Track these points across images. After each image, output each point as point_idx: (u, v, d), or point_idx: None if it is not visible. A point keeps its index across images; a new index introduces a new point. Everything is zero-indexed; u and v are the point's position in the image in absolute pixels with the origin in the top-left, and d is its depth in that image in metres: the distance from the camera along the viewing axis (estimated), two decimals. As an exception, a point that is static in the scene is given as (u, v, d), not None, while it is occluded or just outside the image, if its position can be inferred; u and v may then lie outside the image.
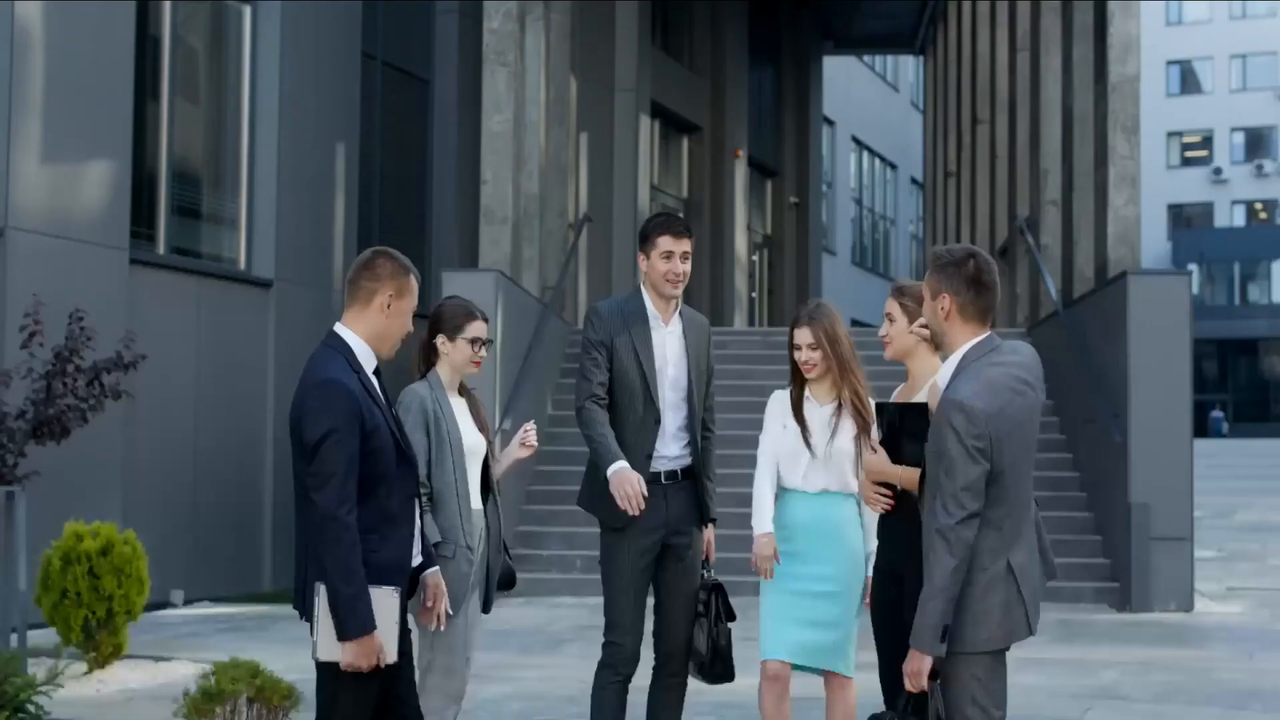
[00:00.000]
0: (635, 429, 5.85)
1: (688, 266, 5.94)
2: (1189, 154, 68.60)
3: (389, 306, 4.51)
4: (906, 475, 5.02)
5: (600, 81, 20.36)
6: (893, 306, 5.41)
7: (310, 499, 4.29)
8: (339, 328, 4.54)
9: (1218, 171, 67.64)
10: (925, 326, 5.13)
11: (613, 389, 5.86)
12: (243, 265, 14.03)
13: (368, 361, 4.52)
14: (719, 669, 5.91)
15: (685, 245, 5.93)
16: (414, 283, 4.58)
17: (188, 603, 12.77)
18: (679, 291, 5.98)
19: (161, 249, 13.08)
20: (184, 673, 9.03)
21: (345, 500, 4.27)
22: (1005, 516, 4.47)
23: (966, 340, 4.53)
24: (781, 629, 5.65)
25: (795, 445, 5.80)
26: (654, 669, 5.99)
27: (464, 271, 14.34)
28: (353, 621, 4.27)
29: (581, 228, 17.87)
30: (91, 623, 8.86)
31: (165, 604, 12.46)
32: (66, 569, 8.83)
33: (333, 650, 4.31)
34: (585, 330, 5.99)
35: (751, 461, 5.96)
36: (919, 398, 5.28)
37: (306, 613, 4.45)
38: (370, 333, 4.51)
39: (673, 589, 5.93)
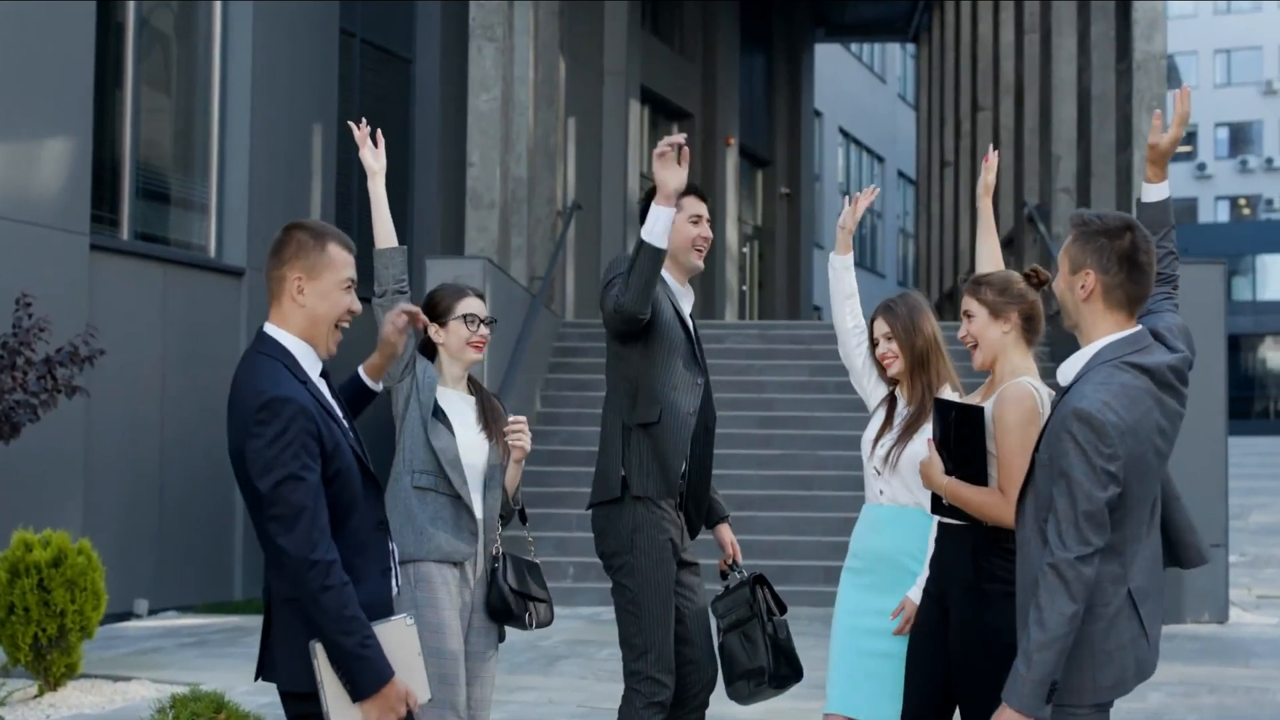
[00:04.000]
0: (679, 385, 5.13)
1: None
2: (1173, 149, 68.26)
3: (301, 291, 3.73)
4: (950, 488, 4.35)
5: (589, 64, 19.59)
6: (970, 303, 4.61)
7: (275, 544, 3.55)
8: (269, 328, 3.77)
9: (1202, 167, 67.39)
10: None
11: (646, 333, 5.10)
12: (212, 252, 13.26)
13: (311, 365, 3.75)
14: (785, 670, 5.20)
15: (705, 209, 5.42)
16: (334, 253, 3.76)
17: (152, 612, 11.96)
18: (701, 263, 5.44)
19: (125, 234, 12.33)
20: (144, 695, 8.32)
21: (320, 539, 3.54)
22: (1127, 540, 3.69)
23: (1107, 333, 3.70)
24: (853, 680, 4.86)
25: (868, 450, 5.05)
26: (676, 700, 5.18)
27: (449, 259, 13.54)
28: (367, 676, 3.56)
29: (571, 216, 17.06)
30: (42, 641, 8.15)
31: (128, 614, 11.65)
32: (14, 582, 8.13)
33: (350, 715, 3.58)
34: (616, 264, 5.18)
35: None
36: (976, 398, 4.60)
37: (269, 672, 3.71)
38: (299, 328, 3.75)
39: (694, 612, 5.21)
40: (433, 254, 14.46)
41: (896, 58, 43.29)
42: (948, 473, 4.37)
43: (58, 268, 11.02)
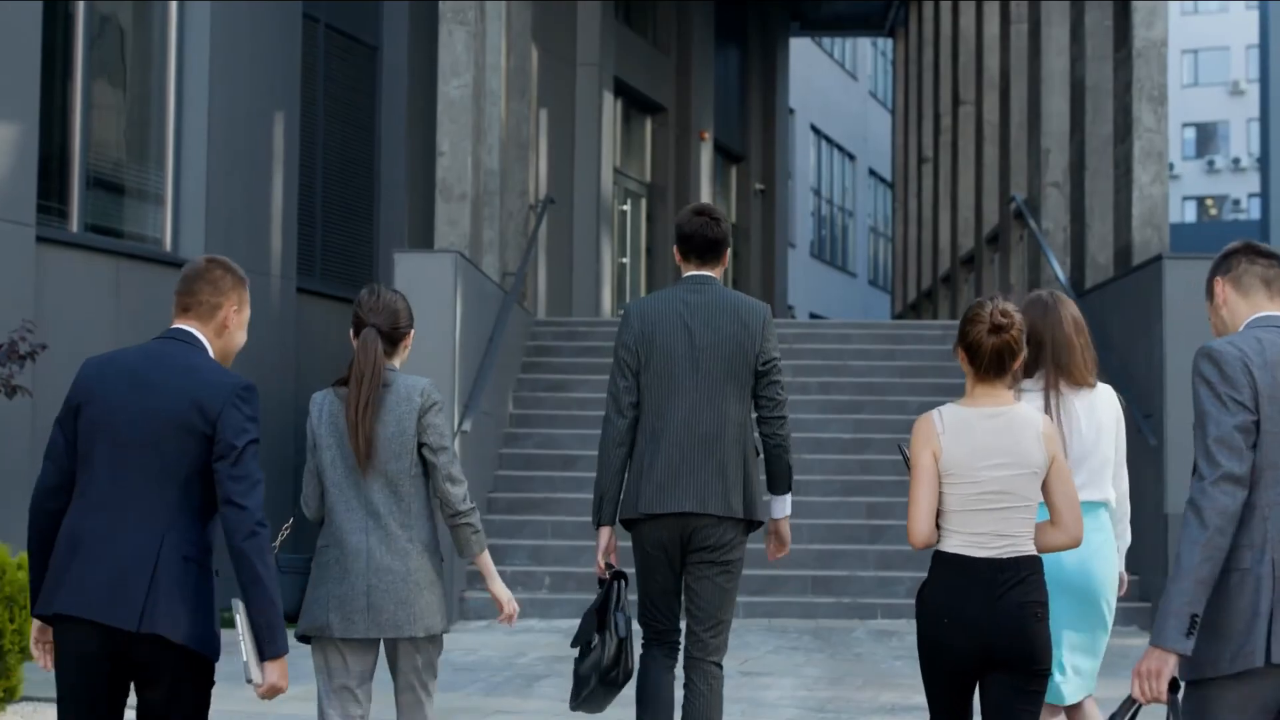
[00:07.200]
0: None
1: None
2: (1141, 150, 68.36)
3: (230, 321, 4.24)
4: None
5: (561, 54, 19.01)
6: None
7: (234, 502, 4.02)
8: (199, 334, 4.19)
9: (1169, 167, 67.35)
10: None
11: None
12: (168, 246, 12.67)
13: None
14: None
15: None
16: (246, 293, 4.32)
17: (103, 627, 11.31)
18: None
19: (75, 226, 11.73)
20: None
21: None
22: (1264, 484, 3.67)
23: (1247, 316, 3.89)
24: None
25: None
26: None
27: (419, 253, 12.94)
28: (282, 638, 4.04)
29: (544, 211, 16.47)
30: (-22, 663, 7.51)
31: (77, 629, 11.01)
32: (-53, 600, 7.49)
33: (258, 671, 4.07)
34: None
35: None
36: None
37: (154, 623, 3.95)
38: (219, 352, 4.24)
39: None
40: (400, 248, 13.85)
41: (868, 55, 42.86)
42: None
43: (1, 261, 10.39)
